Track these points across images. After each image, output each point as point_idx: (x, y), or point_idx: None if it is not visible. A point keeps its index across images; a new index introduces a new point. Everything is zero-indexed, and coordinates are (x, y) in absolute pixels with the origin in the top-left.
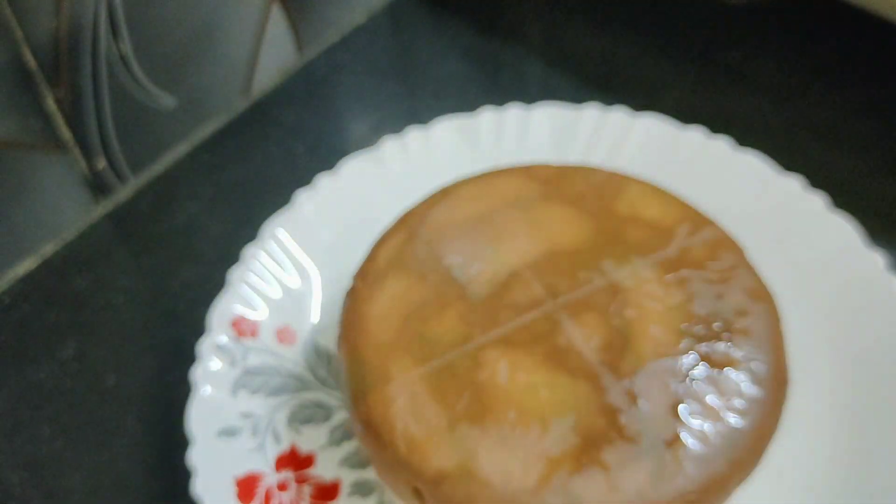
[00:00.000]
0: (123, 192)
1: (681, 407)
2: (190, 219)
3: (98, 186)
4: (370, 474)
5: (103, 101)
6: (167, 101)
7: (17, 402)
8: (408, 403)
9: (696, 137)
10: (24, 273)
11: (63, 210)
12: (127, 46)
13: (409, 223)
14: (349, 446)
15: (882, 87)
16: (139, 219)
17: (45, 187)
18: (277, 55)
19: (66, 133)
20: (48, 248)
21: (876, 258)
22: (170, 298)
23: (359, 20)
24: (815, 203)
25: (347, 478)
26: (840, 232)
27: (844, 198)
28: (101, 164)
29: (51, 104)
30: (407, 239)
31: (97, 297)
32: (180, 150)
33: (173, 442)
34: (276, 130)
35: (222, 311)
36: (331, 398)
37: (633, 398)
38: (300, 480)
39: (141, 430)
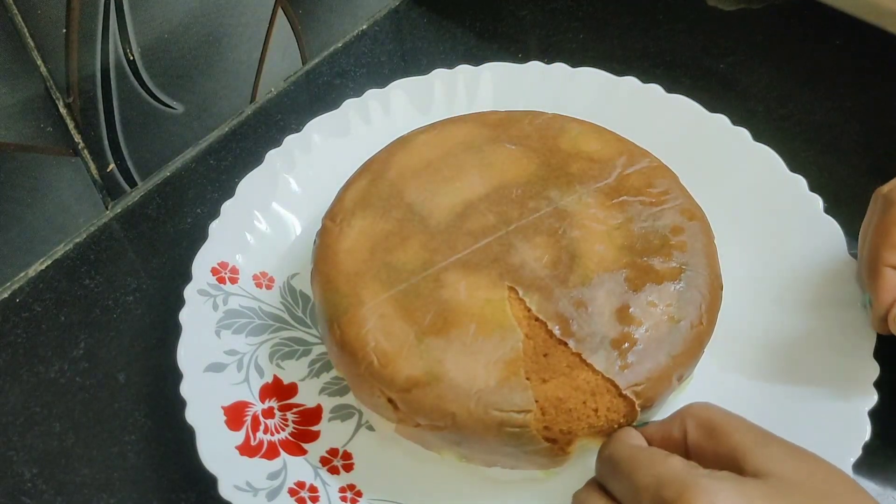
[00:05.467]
0: (132, 196)
1: (625, 311)
2: (197, 221)
3: (108, 190)
4: (350, 400)
5: (113, 107)
6: (175, 107)
7: (29, 398)
8: (378, 323)
9: (631, 83)
10: (36, 273)
11: (74, 213)
12: (136, 54)
13: (372, 168)
14: (328, 377)
15: (872, 91)
16: (147, 221)
17: (57, 190)
18: (282, 62)
19: (77, 138)
20: (59, 250)
21: (798, 180)
22: (177, 298)
23: (361, 27)
24: (742, 135)
25: (328, 404)
26: (765, 158)
27: (836, 200)
28: (111, 168)
29: (62, 109)
30: (371, 182)
31: (107, 297)
32: (188, 154)
33: (181, 437)
34: (281, 135)
35: (204, 260)
36: (308, 336)
37: (581, 306)
38: (284, 408)
39: (150, 425)
